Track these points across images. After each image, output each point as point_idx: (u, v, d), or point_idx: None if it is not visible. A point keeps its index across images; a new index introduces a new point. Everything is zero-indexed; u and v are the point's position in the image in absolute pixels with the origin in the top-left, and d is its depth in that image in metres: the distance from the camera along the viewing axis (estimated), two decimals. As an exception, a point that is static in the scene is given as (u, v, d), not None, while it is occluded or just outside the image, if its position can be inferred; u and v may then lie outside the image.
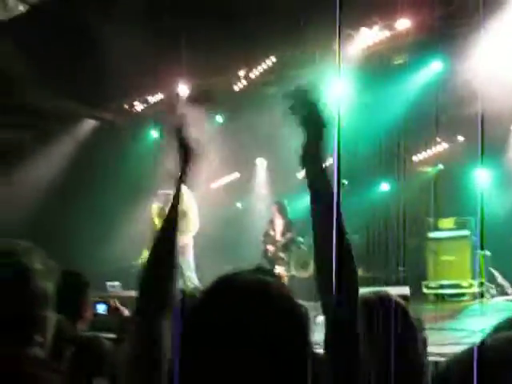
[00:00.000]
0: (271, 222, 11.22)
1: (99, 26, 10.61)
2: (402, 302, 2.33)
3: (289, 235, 10.95)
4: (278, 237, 10.93)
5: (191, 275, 9.48)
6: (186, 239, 9.64)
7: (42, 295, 1.80)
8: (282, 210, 11.13)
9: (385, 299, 2.28)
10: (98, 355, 2.38)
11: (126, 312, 3.18)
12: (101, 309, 3.88)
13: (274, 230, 11.06)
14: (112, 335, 3.10)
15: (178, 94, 12.63)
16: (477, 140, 11.62)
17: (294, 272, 11.58)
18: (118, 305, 3.24)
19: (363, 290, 2.50)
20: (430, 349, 4.30)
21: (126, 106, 13.25)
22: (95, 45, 10.53)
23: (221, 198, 13.79)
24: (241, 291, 1.21)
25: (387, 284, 10.56)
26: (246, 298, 1.19)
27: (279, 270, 10.63)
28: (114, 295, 6.15)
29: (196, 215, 9.74)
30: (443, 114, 10.27)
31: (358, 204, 13.76)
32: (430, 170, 12.98)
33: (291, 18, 9.68)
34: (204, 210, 10.76)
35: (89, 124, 13.39)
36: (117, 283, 11.42)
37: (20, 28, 9.76)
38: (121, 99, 12.91)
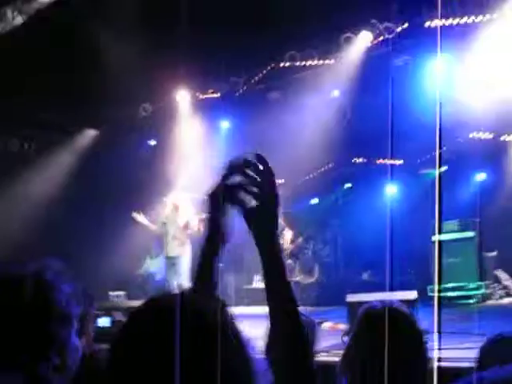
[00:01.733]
0: (280, 233, 11.12)
1: (98, 35, 10.60)
2: (407, 311, 2.28)
3: (297, 242, 10.90)
4: (286, 245, 10.86)
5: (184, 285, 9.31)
6: (180, 250, 9.45)
7: (64, 315, 1.76)
8: (289, 222, 11.08)
9: (391, 310, 2.24)
10: (96, 370, 2.31)
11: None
12: (104, 322, 3.82)
13: (282, 239, 11.00)
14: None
15: (177, 102, 12.60)
16: (477, 141, 11.66)
17: (298, 278, 11.53)
18: (121, 318, 3.17)
19: (368, 296, 2.46)
20: (440, 353, 4.24)
21: (126, 115, 13.21)
22: (94, 54, 10.50)
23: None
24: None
25: (393, 289, 10.50)
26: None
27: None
28: (118, 306, 6.09)
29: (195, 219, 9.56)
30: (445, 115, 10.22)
31: (364, 207, 13.75)
32: (432, 172, 12.94)
33: (291, 23, 9.66)
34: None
35: (89, 134, 13.35)
36: (121, 293, 11.39)
37: (18, 39, 9.73)
38: (121, 108, 12.87)
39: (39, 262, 1.79)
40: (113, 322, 3.40)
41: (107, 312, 3.70)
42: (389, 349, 2.10)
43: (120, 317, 3.20)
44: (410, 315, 2.28)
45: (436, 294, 9.83)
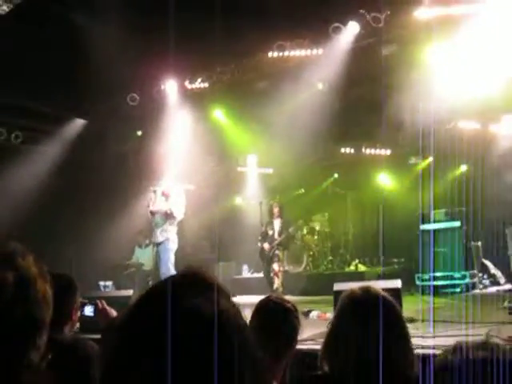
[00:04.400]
0: (270, 223, 11.12)
1: (87, 25, 10.56)
2: (391, 298, 2.31)
3: (287, 233, 10.90)
4: (276, 235, 10.87)
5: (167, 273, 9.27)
6: (161, 238, 9.46)
7: (42, 298, 1.76)
8: (281, 211, 11.08)
9: (374, 296, 2.27)
10: (82, 357, 2.34)
11: (114, 313, 3.15)
12: (88, 310, 3.86)
13: (272, 229, 11.00)
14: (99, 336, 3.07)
15: (166, 91, 12.58)
16: (466, 131, 11.71)
17: (286, 267, 11.58)
18: (106, 306, 3.20)
19: (355, 285, 2.49)
20: (425, 341, 4.29)
21: (114, 104, 13.18)
22: (82, 43, 10.47)
23: (216, 193, 13.78)
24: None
25: (382, 277, 10.59)
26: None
27: (275, 266, 10.59)
28: (105, 296, 6.11)
29: (182, 207, 9.57)
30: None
31: (351, 197, 13.81)
32: (422, 161, 12.99)
33: (280, 13, 9.65)
34: (198, 206, 10.75)
35: (77, 124, 13.31)
36: (109, 283, 11.41)
37: (5, 29, 9.67)
38: (108, 98, 12.84)
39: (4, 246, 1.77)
40: (96, 311, 3.42)
41: (92, 301, 3.73)
42: (370, 333, 2.14)
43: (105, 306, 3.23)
44: (390, 301, 2.31)
45: (433, 283, 9.94)
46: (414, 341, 3.04)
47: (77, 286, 3.15)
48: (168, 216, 9.42)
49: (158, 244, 9.51)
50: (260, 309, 2.95)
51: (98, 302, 3.21)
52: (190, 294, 1.07)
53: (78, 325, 4.70)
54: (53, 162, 12.50)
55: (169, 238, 9.48)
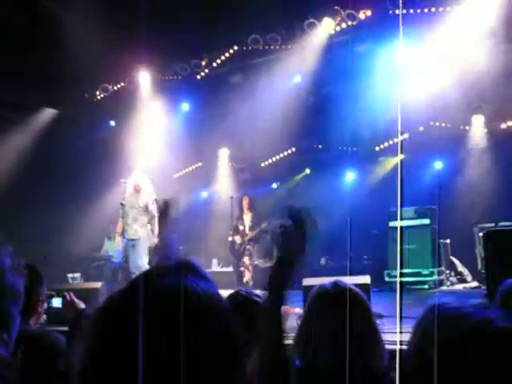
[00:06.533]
0: (240, 217, 11.08)
1: (59, 13, 10.43)
2: (359, 292, 2.34)
3: (259, 228, 10.86)
4: (247, 230, 10.84)
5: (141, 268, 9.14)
6: (141, 233, 9.33)
7: (10, 291, 1.72)
8: (252, 204, 11.04)
9: (343, 289, 2.30)
10: (49, 351, 2.31)
11: (82, 305, 3.11)
12: (56, 302, 3.81)
13: (243, 225, 10.97)
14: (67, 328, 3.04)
15: (138, 82, 12.47)
16: (435, 130, 11.84)
17: (256, 262, 11.59)
18: (74, 298, 3.16)
19: (324, 280, 2.51)
20: (392, 337, 4.31)
21: (86, 95, 13.03)
22: (55, 32, 10.33)
23: (184, 186, 13.71)
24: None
25: (350, 273, 10.64)
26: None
27: (246, 260, 10.59)
28: (73, 288, 6.04)
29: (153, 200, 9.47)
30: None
31: (323, 193, 13.86)
32: (391, 159, 13.10)
33: (255, 7, 9.63)
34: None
35: (48, 113, 13.13)
36: (77, 275, 11.30)
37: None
38: (80, 87, 12.69)
39: None
40: (64, 303, 3.38)
41: (59, 293, 3.67)
42: (341, 325, 2.16)
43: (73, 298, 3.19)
44: (359, 294, 2.34)
45: (398, 280, 10.01)
46: (383, 336, 3.06)
47: (43, 278, 3.10)
48: (145, 210, 9.30)
49: (135, 239, 9.34)
50: (229, 302, 2.94)
51: (66, 294, 3.17)
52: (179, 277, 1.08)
53: (44, 317, 4.65)
54: (22, 151, 12.30)
55: (149, 233, 9.37)
